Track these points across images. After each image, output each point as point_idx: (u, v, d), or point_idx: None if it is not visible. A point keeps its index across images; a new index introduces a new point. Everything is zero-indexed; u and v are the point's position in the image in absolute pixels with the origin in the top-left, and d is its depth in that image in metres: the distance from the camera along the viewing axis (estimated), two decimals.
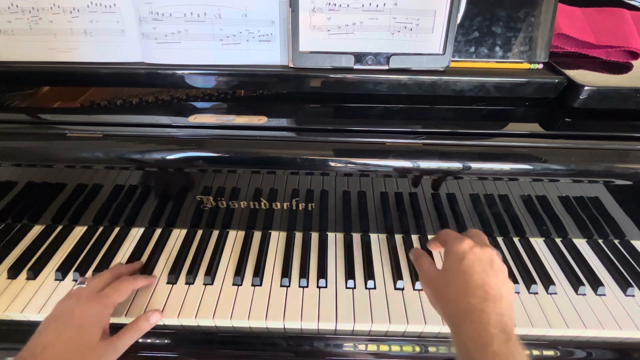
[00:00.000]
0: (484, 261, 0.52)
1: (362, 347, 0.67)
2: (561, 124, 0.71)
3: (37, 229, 0.80)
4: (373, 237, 0.80)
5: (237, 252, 0.76)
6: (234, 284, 0.70)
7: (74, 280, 0.71)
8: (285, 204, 0.75)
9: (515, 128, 0.70)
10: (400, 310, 0.67)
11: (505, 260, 0.75)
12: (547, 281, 0.71)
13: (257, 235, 0.80)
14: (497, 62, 0.73)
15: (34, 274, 0.71)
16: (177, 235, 0.80)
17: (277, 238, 0.80)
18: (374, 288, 0.70)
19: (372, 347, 0.67)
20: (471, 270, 0.51)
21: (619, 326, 0.65)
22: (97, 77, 0.74)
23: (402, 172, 0.67)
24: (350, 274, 0.72)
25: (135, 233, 0.80)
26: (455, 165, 0.65)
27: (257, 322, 0.65)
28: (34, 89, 0.79)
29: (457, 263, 0.53)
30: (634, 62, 0.79)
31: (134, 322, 0.63)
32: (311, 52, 0.70)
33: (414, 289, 0.70)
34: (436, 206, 0.75)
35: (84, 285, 0.63)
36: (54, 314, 0.59)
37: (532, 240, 0.80)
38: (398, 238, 0.80)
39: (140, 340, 0.63)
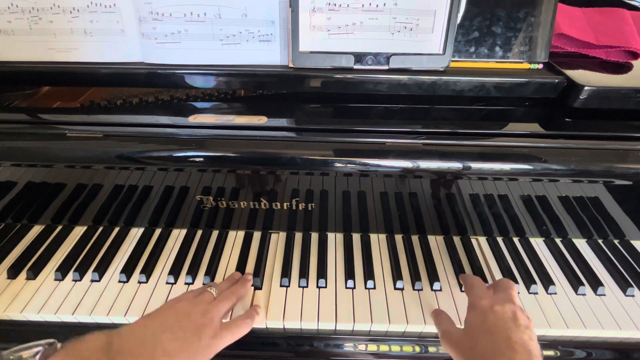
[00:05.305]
0: (506, 318, 0.52)
1: (362, 347, 0.67)
2: (561, 124, 0.71)
3: (37, 229, 0.80)
4: (373, 237, 0.80)
5: (237, 252, 0.76)
6: None
7: (73, 280, 0.71)
8: (285, 204, 0.75)
9: (515, 128, 0.70)
10: (400, 310, 0.67)
11: (510, 272, 0.75)
12: (547, 281, 0.71)
13: (257, 236, 0.80)
14: (497, 62, 0.73)
15: (33, 274, 0.71)
16: (177, 236, 0.80)
17: (277, 238, 0.80)
18: (374, 288, 0.70)
19: (372, 347, 0.67)
20: (494, 330, 0.51)
21: (619, 326, 0.65)
22: (97, 77, 0.74)
23: (402, 172, 0.67)
24: (350, 274, 0.72)
25: (135, 233, 0.80)
26: (455, 165, 0.65)
27: (257, 322, 0.65)
28: (34, 89, 0.79)
29: (480, 324, 0.53)
30: (634, 62, 0.79)
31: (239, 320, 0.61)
32: (311, 52, 0.70)
33: (414, 289, 0.70)
34: (436, 206, 0.75)
35: (214, 293, 0.62)
36: (176, 322, 0.55)
37: (532, 240, 0.80)
38: (398, 238, 0.80)
39: None
